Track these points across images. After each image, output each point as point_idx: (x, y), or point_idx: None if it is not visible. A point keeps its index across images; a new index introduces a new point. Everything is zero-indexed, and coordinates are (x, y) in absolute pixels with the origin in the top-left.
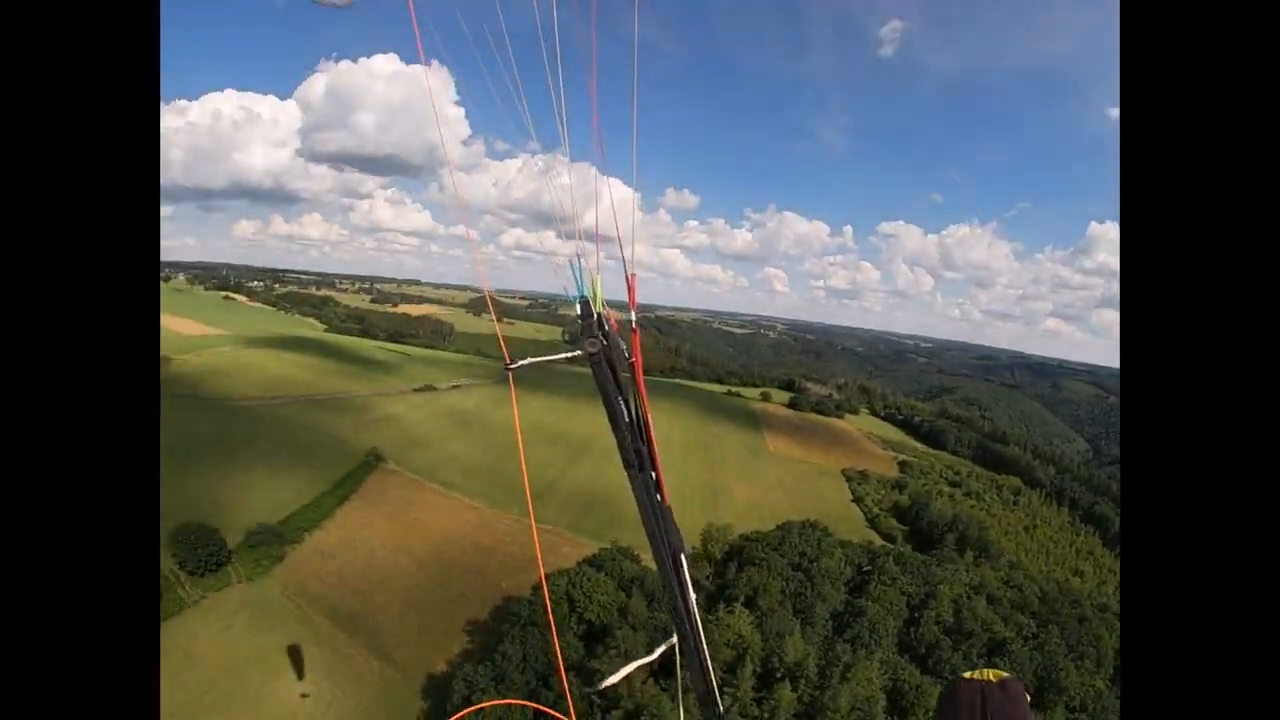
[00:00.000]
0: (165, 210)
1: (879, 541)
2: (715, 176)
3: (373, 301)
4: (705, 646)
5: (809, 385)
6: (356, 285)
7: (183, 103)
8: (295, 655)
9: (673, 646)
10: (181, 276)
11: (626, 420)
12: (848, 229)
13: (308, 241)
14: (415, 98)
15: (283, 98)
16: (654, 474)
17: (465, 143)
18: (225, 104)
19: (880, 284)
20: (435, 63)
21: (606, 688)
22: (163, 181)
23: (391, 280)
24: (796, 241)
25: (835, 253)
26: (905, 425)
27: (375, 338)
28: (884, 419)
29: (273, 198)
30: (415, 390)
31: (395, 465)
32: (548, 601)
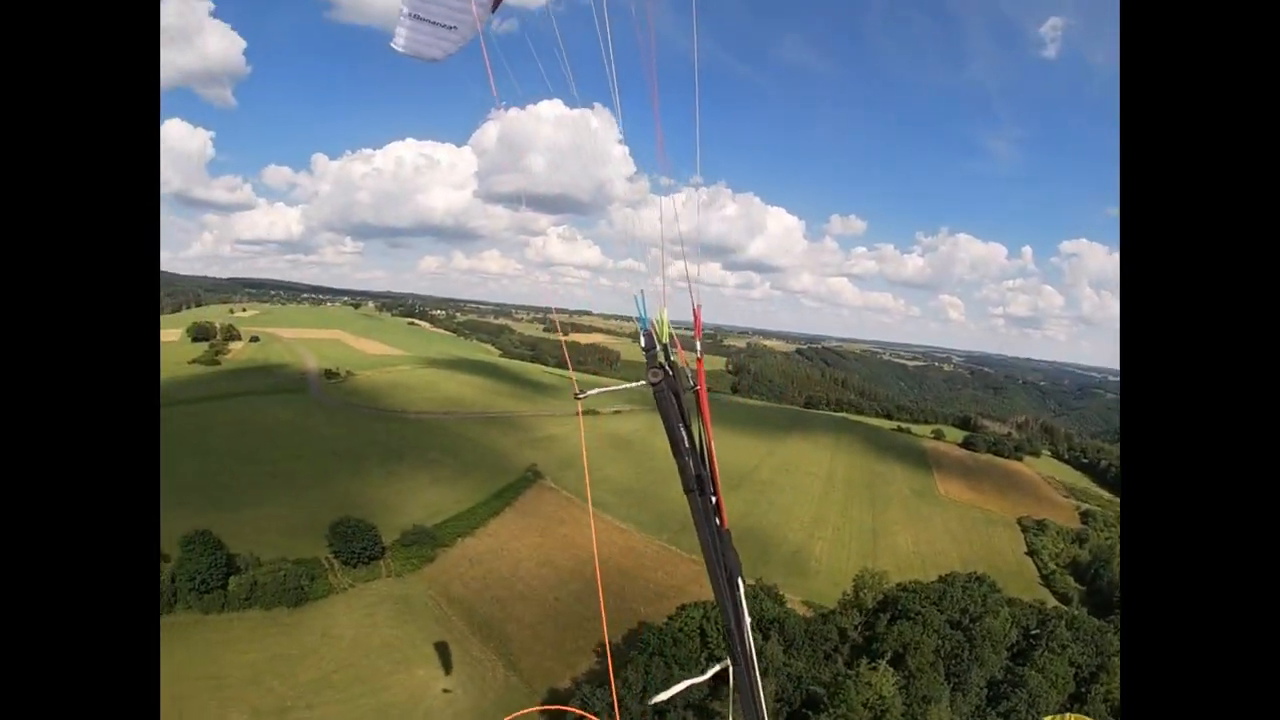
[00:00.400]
0: (356, 246)
1: (1052, 602)
2: (882, 199)
3: (545, 330)
4: (758, 673)
5: (986, 423)
6: (531, 315)
7: (368, 151)
8: (444, 652)
9: (727, 669)
10: (371, 304)
11: (687, 446)
12: (1026, 250)
13: (487, 275)
14: (580, 139)
15: (459, 145)
16: (714, 498)
17: (630, 179)
18: (406, 151)
19: (1064, 310)
20: (598, 104)
21: (658, 704)
22: (353, 220)
23: (564, 311)
24: (972, 265)
25: (1014, 276)
26: (1090, 470)
27: (545, 363)
28: (1067, 462)
29: (454, 235)
30: (577, 414)
31: (552, 482)
32: (604, 617)
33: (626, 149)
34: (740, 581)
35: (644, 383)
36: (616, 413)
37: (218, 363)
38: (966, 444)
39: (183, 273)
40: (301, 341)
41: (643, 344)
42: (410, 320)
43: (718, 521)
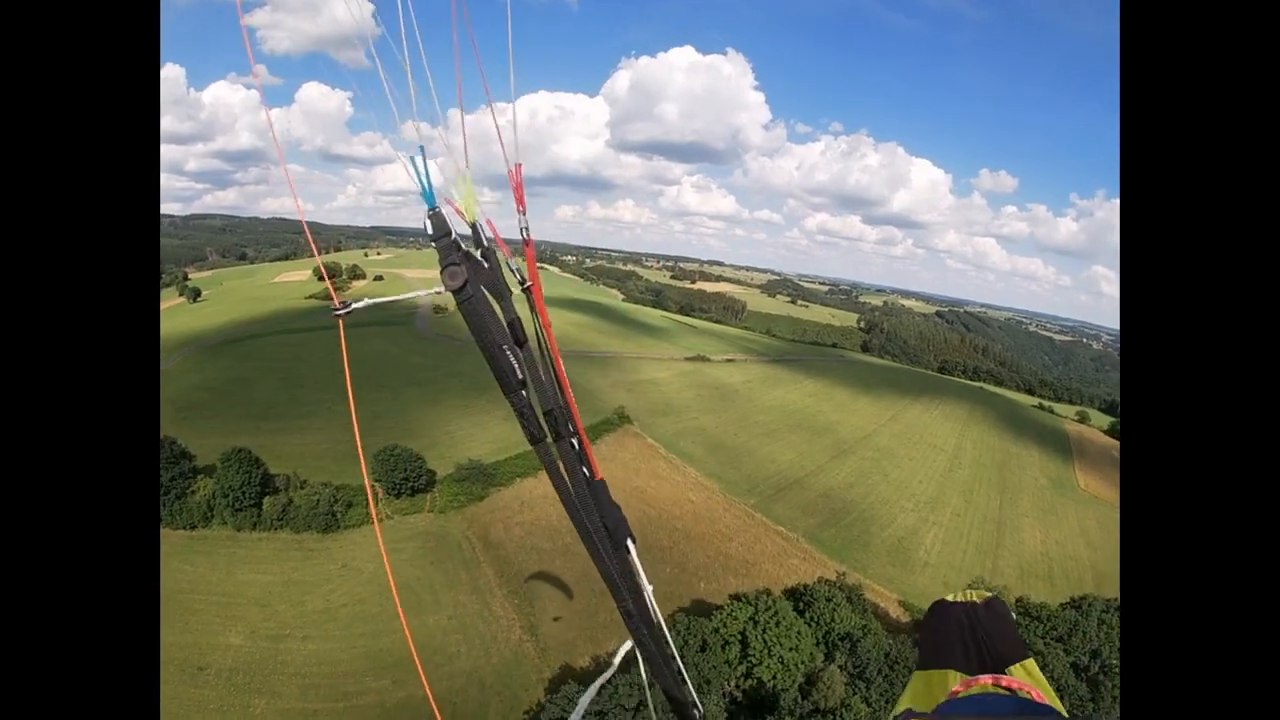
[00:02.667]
0: (494, 195)
1: None
2: (1036, 155)
3: (672, 277)
4: (673, 647)
5: None
6: (661, 263)
7: (501, 104)
8: (557, 583)
9: (632, 651)
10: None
11: (520, 377)
12: None
13: (621, 224)
14: (714, 86)
15: (591, 95)
16: (574, 441)
17: (766, 127)
18: (541, 103)
19: None
20: (731, 50)
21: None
22: (490, 171)
23: (695, 260)
24: None
25: None
26: None
27: (667, 309)
28: None
29: (589, 184)
30: (686, 358)
31: (638, 428)
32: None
33: (763, 96)
34: (631, 545)
35: (437, 290)
36: (729, 360)
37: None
38: (1113, 432)
39: (327, 222)
40: (423, 280)
41: (429, 230)
42: (540, 265)
43: (586, 471)
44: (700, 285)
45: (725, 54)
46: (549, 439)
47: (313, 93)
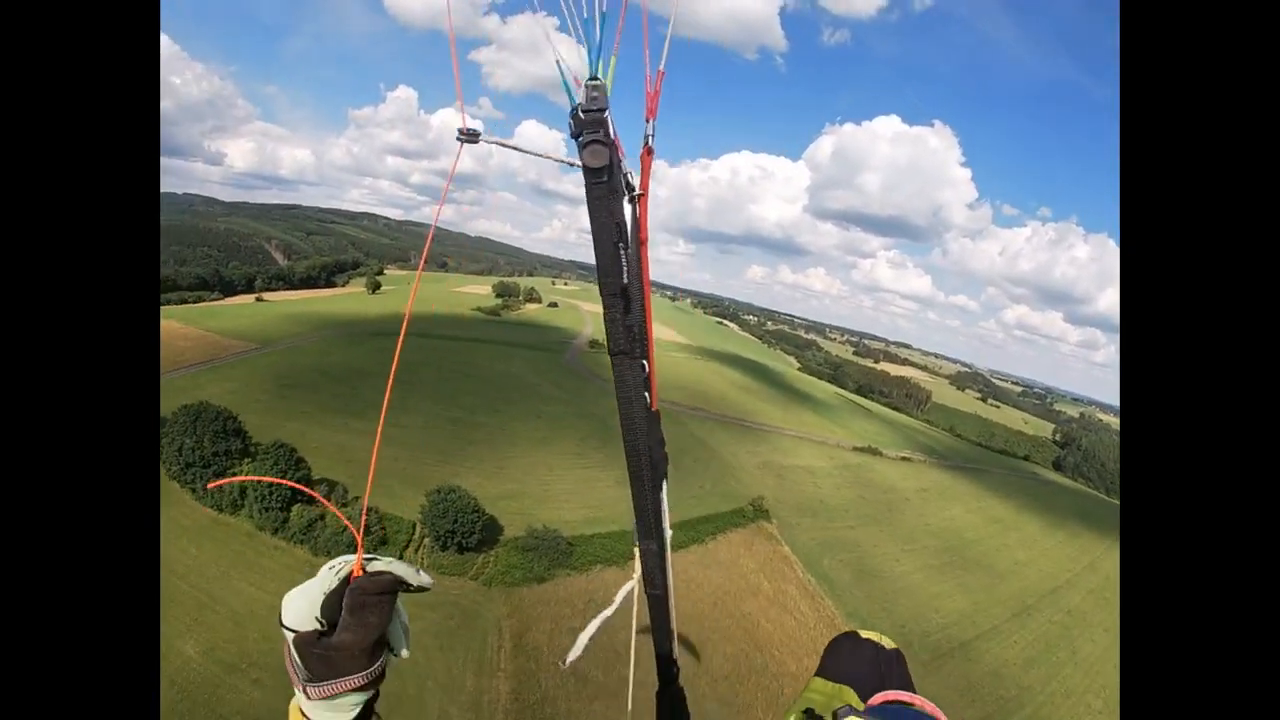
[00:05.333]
0: (689, 248)
1: None
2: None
3: (855, 353)
4: (673, 595)
5: None
6: (845, 337)
7: (705, 160)
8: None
9: (630, 594)
10: (688, 300)
11: (624, 282)
12: None
13: (809, 292)
14: (920, 159)
15: (793, 159)
16: (645, 365)
17: (971, 206)
18: (742, 163)
19: None
20: (938, 122)
21: (575, 661)
22: (687, 224)
23: (881, 339)
24: None
25: None
26: None
27: (843, 386)
28: None
29: (782, 248)
30: (854, 448)
31: (776, 529)
32: None
33: (969, 173)
34: (665, 482)
35: (571, 162)
36: (904, 459)
37: (498, 315)
38: None
39: (529, 249)
40: (597, 314)
41: (580, 99)
42: (720, 320)
43: (646, 398)
44: (884, 366)
45: (932, 125)
46: (631, 355)
47: (531, 130)
